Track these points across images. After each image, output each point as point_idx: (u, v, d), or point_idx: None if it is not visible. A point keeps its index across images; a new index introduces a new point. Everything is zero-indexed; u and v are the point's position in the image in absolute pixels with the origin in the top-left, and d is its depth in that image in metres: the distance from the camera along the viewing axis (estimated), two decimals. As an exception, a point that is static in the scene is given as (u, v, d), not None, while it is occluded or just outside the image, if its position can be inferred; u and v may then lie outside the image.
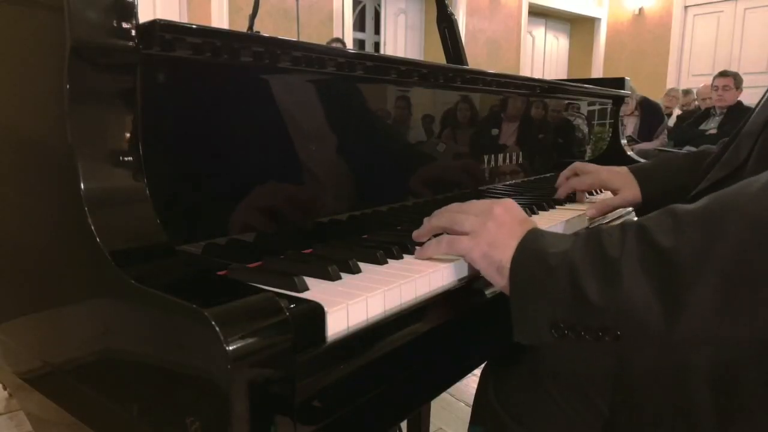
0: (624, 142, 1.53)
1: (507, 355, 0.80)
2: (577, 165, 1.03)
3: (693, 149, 2.04)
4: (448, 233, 0.64)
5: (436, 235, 0.65)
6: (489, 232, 0.58)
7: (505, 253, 0.56)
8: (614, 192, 0.96)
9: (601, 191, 1.16)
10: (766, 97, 0.70)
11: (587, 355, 0.71)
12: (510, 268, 0.55)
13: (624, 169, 0.98)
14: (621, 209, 1.05)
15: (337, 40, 4.71)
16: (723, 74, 4.75)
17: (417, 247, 0.66)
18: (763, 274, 0.43)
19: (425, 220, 0.68)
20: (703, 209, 0.47)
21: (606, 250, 0.50)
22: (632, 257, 0.48)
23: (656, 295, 0.46)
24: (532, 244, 0.55)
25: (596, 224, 0.95)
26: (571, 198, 1.05)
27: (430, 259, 0.63)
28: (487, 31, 6.97)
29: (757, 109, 0.72)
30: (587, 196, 1.08)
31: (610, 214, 1.00)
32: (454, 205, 0.66)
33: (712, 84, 4.88)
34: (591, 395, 0.68)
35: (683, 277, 0.45)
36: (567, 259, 0.51)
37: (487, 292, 0.63)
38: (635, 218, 0.93)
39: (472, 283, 0.63)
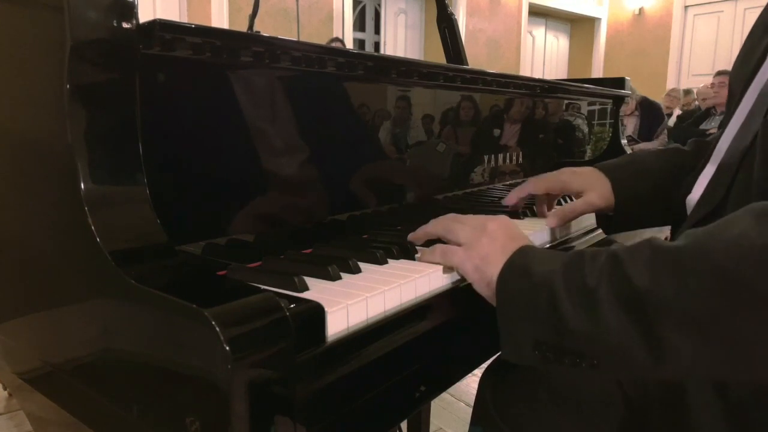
0: (624, 142, 1.53)
1: (504, 363, 0.80)
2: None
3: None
4: (442, 241, 0.64)
5: (431, 242, 0.66)
6: (482, 246, 0.59)
7: (494, 268, 0.57)
8: (577, 196, 0.84)
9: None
10: (741, 123, 0.65)
11: (582, 377, 0.71)
12: (496, 284, 0.56)
13: (588, 169, 0.85)
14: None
15: (337, 39, 4.71)
16: (720, 72, 4.79)
17: (418, 247, 0.67)
18: (732, 329, 0.43)
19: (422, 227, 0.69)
20: (678, 252, 0.46)
21: (585, 277, 0.50)
22: (608, 289, 0.48)
23: (639, 333, 0.46)
24: (519, 261, 0.56)
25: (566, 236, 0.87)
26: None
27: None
28: (487, 31, 6.96)
29: (725, 134, 0.68)
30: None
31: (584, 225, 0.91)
32: (451, 216, 0.66)
33: (711, 82, 4.90)
34: (587, 413, 0.68)
35: (660, 322, 0.45)
36: (549, 280, 0.52)
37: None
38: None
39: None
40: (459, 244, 0.61)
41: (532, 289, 0.53)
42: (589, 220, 0.93)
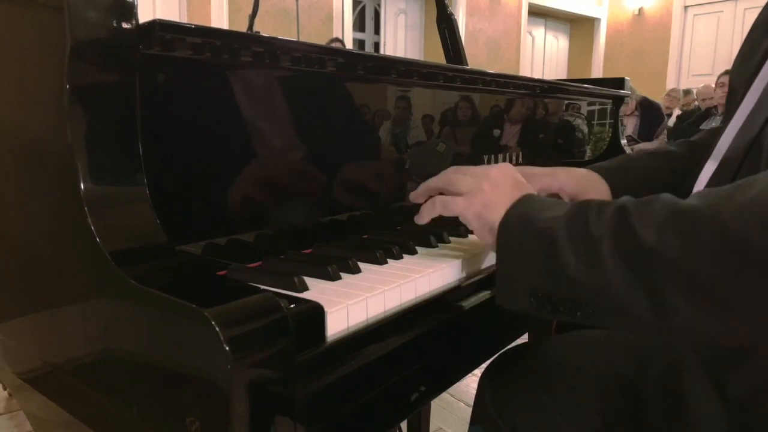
0: (624, 142, 1.53)
1: (504, 364, 0.80)
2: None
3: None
4: (444, 195, 0.63)
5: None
6: (484, 193, 0.59)
7: (496, 215, 0.56)
8: (573, 199, 0.79)
9: None
10: (744, 119, 0.64)
11: (583, 374, 0.71)
12: (498, 231, 0.55)
13: (583, 171, 0.82)
14: None
15: (336, 40, 4.71)
16: (728, 72, 4.79)
17: (419, 249, 0.67)
18: (736, 296, 0.42)
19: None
20: (688, 211, 0.45)
21: (589, 227, 0.49)
22: (612, 241, 0.47)
23: (640, 288, 0.45)
24: (522, 209, 0.55)
25: None
26: None
27: (429, 258, 0.63)
28: (487, 31, 6.97)
29: (727, 130, 0.67)
30: None
31: None
32: (452, 168, 0.66)
33: (717, 82, 4.89)
34: (587, 413, 0.68)
35: (662, 281, 0.44)
36: (552, 228, 0.51)
37: (486, 293, 0.63)
38: None
39: (472, 284, 0.63)
40: (461, 195, 0.61)
41: (533, 237, 0.52)
42: None
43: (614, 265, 0.46)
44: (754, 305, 0.42)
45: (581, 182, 0.81)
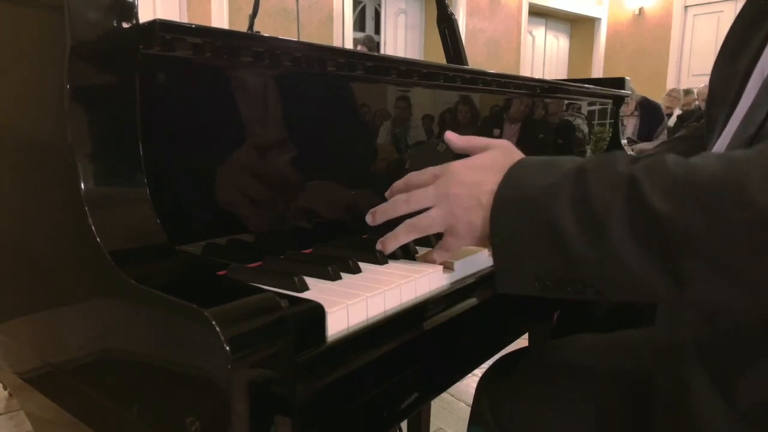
0: (624, 142, 1.53)
1: (501, 368, 0.79)
2: None
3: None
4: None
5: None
6: (458, 210, 0.56)
7: (480, 213, 0.53)
8: None
9: None
10: (742, 118, 0.61)
11: (581, 381, 0.70)
12: (490, 224, 0.51)
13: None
14: None
15: (368, 38, 4.57)
16: None
17: (418, 247, 0.67)
18: (763, 274, 0.40)
19: (381, 210, 0.63)
20: (708, 180, 0.41)
21: (593, 203, 0.45)
22: (621, 216, 0.44)
23: (654, 261, 0.42)
24: (509, 192, 0.51)
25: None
26: None
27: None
28: (487, 31, 6.97)
29: (726, 131, 0.64)
30: None
31: None
32: (401, 184, 0.63)
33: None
34: (586, 421, 0.67)
35: (680, 253, 0.42)
36: (549, 207, 0.47)
37: (486, 293, 0.63)
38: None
39: (472, 283, 0.63)
40: (431, 215, 0.58)
41: (529, 222, 0.48)
42: None
43: (623, 240, 0.43)
44: None
45: None
